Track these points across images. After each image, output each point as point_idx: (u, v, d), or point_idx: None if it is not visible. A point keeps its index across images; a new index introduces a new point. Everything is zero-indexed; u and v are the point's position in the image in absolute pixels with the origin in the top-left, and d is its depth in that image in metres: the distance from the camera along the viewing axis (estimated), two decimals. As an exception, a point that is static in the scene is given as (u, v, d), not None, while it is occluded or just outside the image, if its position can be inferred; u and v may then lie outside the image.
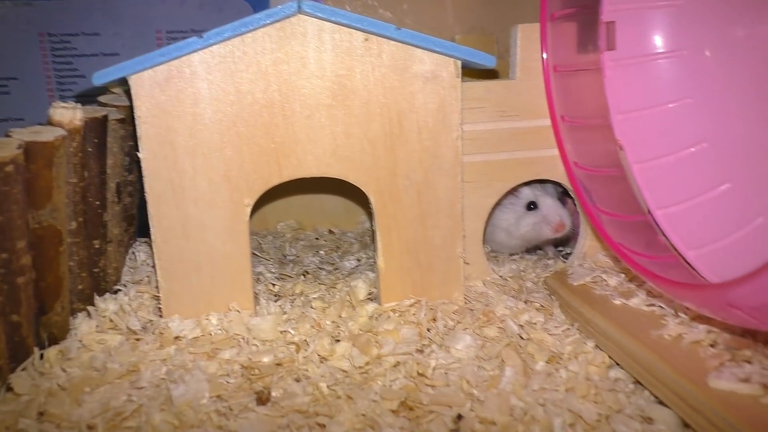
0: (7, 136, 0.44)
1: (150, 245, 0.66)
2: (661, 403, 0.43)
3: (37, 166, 0.44)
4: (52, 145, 0.44)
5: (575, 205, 0.65)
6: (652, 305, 0.51)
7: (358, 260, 0.69)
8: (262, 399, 0.44)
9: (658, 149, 0.56)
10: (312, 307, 0.57)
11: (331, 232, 0.80)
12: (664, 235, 0.52)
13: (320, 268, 0.67)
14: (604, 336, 0.49)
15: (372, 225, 0.57)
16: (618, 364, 0.48)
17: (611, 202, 0.54)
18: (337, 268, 0.67)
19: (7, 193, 0.42)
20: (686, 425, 0.41)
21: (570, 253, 0.69)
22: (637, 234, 0.52)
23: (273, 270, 0.66)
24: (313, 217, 0.82)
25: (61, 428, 0.42)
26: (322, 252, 0.73)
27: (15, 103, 0.84)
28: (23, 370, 0.47)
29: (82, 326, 0.52)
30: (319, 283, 0.62)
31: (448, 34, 0.86)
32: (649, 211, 0.54)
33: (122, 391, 0.45)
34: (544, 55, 0.58)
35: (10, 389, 0.45)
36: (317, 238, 0.78)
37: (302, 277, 0.64)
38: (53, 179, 0.45)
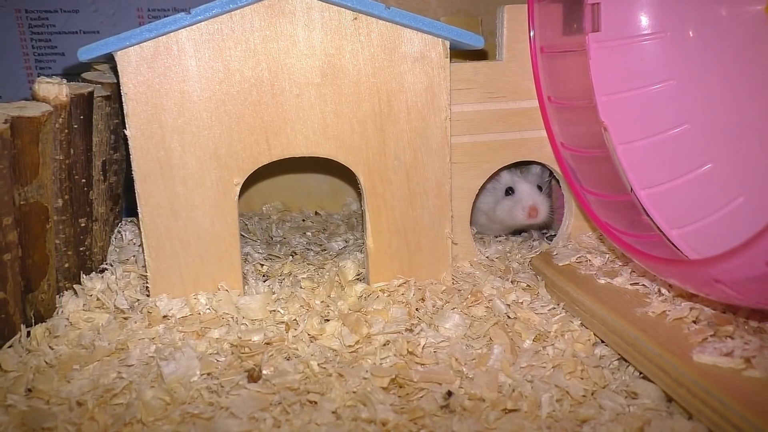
0: (-8, 111, 0.43)
1: (136, 225, 0.65)
2: (645, 378, 0.44)
3: (23, 142, 0.43)
4: (38, 120, 0.44)
5: (560, 186, 0.66)
6: (636, 284, 0.52)
7: (346, 241, 0.70)
8: (253, 376, 0.45)
9: (641, 130, 0.57)
10: (301, 287, 0.57)
11: (317, 213, 0.80)
12: (648, 215, 0.53)
13: (308, 249, 0.67)
14: (590, 314, 0.50)
15: (361, 205, 0.57)
16: (603, 342, 0.49)
17: (597, 182, 0.55)
18: (324, 249, 0.68)
19: (-7, 168, 0.41)
20: (670, 399, 0.42)
21: (554, 235, 0.70)
22: (621, 213, 0.53)
23: (260, 251, 0.66)
24: (299, 199, 0.81)
25: (49, 404, 0.42)
26: (309, 233, 0.73)
27: (-8, 81, 0.82)
28: (10, 347, 0.46)
29: (69, 304, 0.51)
30: (308, 264, 0.62)
31: (432, 15, 0.86)
32: (633, 191, 0.55)
33: (111, 369, 0.45)
34: (531, 36, 0.58)
35: (-3, 366, 0.45)
36: (303, 220, 0.77)
37: (290, 257, 0.64)
38: (39, 155, 0.45)
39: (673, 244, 0.51)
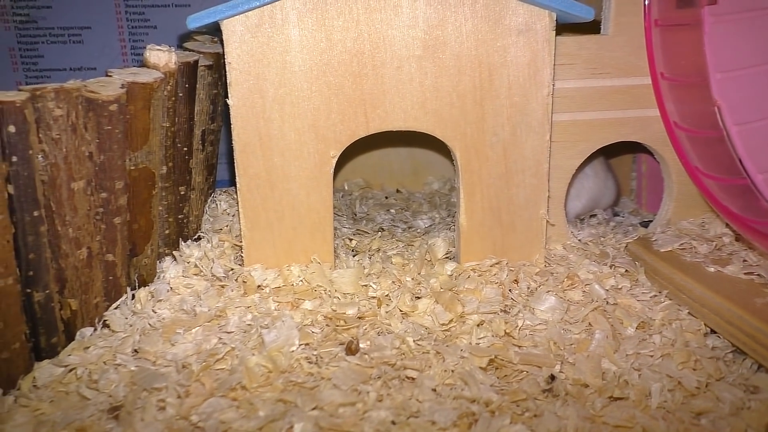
0: (107, 75, 0.44)
1: (230, 195, 0.66)
2: (766, 371, 0.41)
3: (136, 108, 0.44)
4: (151, 86, 0.44)
5: (641, 168, 0.63)
6: (751, 273, 0.49)
7: (432, 220, 0.69)
8: (352, 349, 0.44)
9: (760, 111, 0.53)
10: (392, 263, 0.56)
11: (398, 191, 0.80)
12: (766, 201, 0.50)
13: (394, 226, 0.67)
14: (701, 303, 0.47)
15: (455, 182, 0.56)
16: (715, 332, 0.46)
17: (713, 164, 0.52)
18: (411, 227, 0.67)
19: (110, 132, 0.42)
20: (795, 395, 0.39)
21: (647, 221, 0.67)
22: (738, 198, 0.50)
23: (348, 226, 0.66)
24: (380, 177, 0.81)
25: (156, 365, 0.43)
26: (392, 210, 0.72)
27: (88, 53, 0.85)
28: (117, 308, 0.48)
29: (170, 270, 0.52)
30: (397, 240, 0.62)
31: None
32: (749, 176, 0.51)
33: (213, 334, 0.46)
34: (646, 6, 0.55)
35: (106, 326, 0.46)
36: (386, 198, 0.77)
37: (378, 233, 0.64)
38: (150, 121, 0.46)
39: (794, 232, 0.47)
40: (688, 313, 0.48)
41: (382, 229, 0.65)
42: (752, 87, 0.54)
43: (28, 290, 0.42)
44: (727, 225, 0.57)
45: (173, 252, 0.54)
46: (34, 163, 0.39)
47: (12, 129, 0.37)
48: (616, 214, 0.72)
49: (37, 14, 0.83)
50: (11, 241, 0.39)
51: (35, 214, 0.40)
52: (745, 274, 0.49)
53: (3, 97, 0.37)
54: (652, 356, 0.44)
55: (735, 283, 0.48)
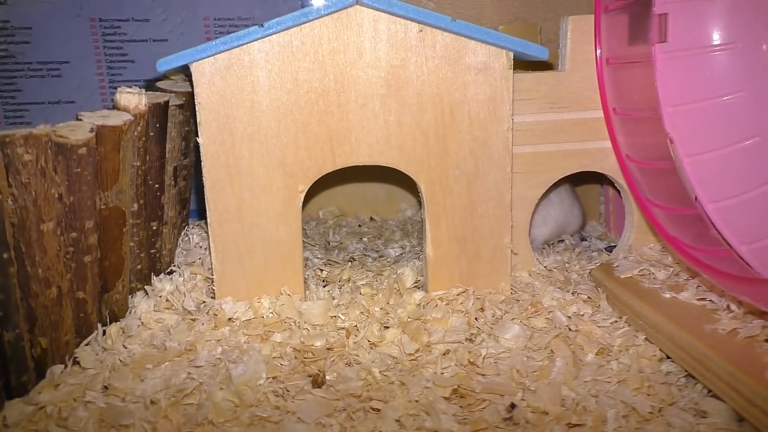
0: (78, 119, 0.45)
1: (203, 228, 0.68)
2: (714, 396, 0.43)
3: (106, 149, 0.46)
4: (120, 129, 0.46)
5: (620, 197, 0.65)
6: (704, 299, 0.51)
7: (402, 248, 0.70)
8: (318, 382, 0.46)
9: (709, 143, 0.56)
10: (360, 293, 0.58)
11: (372, 219, 0.81)
12: (716, 229, 0.52)
13: (365, 255, 0.68)
14: (655, 329, 0.49)
15: (421, 214, 0.58)
16: (669, 357, 0.48)
17: (663, 194, 0.54)
18: (382, 256, 0.68)
19: (79, 174, 0.43)
20: (741, 418, 0.41)
21: (612, 246, 0.69)
22: (688, 227, 0.52)
23: (319, 255, 0.67)
24: (354, 204, 0.83)
25: (125, 402, 0.44)
26: (365, 239, 0.74)
27: (66, 86, 0.86)
28: (87, 345, 0.49)
29: (141, 305, 0.53)
30: (366, 270, 0.63)
31: (489, 24, 0.86)
32: (700, 205, 0.53)
33: (182, 369, 0.47)
34: (598, 50, 0.58)
35: (76, 363, 0.47)
36: (360, 225, 0.78)
37: (349, 263, 0.65)
38: (120, 162, 0.47)
39: (742, 259, 0.49)
40: (645, 338, 0.50)
41: (353, 258, 0.67)
42: (701, 120, 0.56)
43: (-1, 330, 0.43)
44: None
45: (145, 287, 0.55)
46: (3, 206, 0.41)
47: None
48: (583, 239, 0.74)
49: (15, 49, 0.85)
50: (-19, 283, 0.40)
51: (5, 256, 0.41)
52: (698, 300, 0.51)
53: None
54: (609, 382, 0.46)
55: (688, 309, 0.50)
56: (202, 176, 0.53)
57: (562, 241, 0.73)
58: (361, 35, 0.52)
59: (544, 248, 0.70)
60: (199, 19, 0.84)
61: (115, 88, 0.86)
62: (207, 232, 0.54)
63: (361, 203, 0.83)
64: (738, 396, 0.40)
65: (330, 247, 0.72)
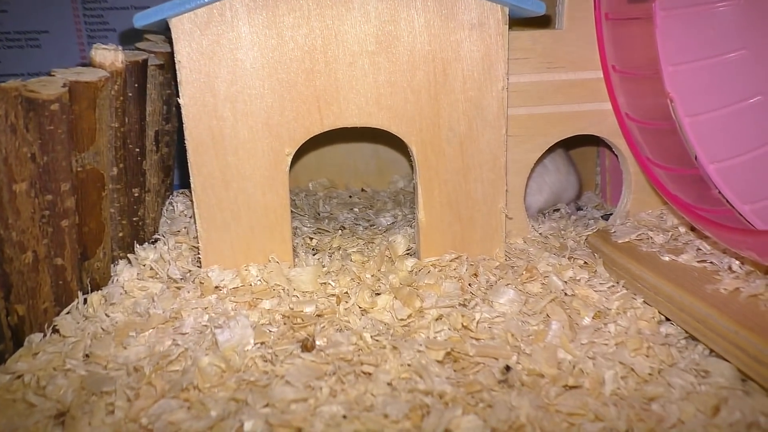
0: (50, 75, 0.43)
1: (187, 197, 0.66)
2: (717, 356, 0.42)
3: (81, 107, 0.43)
4: (95, 85, 0.43)
5: (605, 162, 0.64)
6: (704, 261, 0.49)
7: (394, 217, 0.68)
8: (307, 346, 0.44)
9: (710, 102, 0.54)
10: (351, 261, 0.56)
11: (363, 190, 0.79)
12: (717, 189, 0.50)
13: (356, 224, 0.67)
14: (654, 291, 0.48)
15: (413, 178, 0.56)
16: (669, 320, 0.47)
17: (664, 155, 0.52)
18: (373, 225, 0.67)
19: (52, 132, 0.41)
20: (745, 378, 0.40)
21: (608, 214, 0.67)
22: (690, 187, 0.50)
23: (309, 225, 0.65)
24: (345, 176, 0.81)
25: (107, 369, 0.42)
26: (356, 209, 0.72)
27: (46, 57, 0.83)
28: (68, 313, 0.47)
29: (124, 273, 0.52)
30: (357, 238, 0.61)
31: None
32: (701, 165, 0.52)
33: (167, 336, 0.45)
34: (596, 2, 0.56)
35: (56, 331, 0.45)
36: (350, 197, 0.77)
37: (339, 232, 0.64)
38: (96, 121, 0.45)
39: (745, 219, 0.48)
40: (644, 301, 0.49)
41: (344, 227, 0.65)
42: (702, 79, 0.54)
43: (-28, 296, 0.41)
44: (682, 215, 0.58)
45: (128, 255, 0.53)
46: (-28, 164, 0.39)
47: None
48: (579, 209, 0.73)
49: (-7, 19, 0.82)
50: (-49, 246, 0.38)
51: (-24, 217, 0.39)
52: (698, 262, 0.49)
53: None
54: (606, 344, 0.44)
55: (688, 271, 0.48)
56: (183, 141, 0.51)
57: (558, 209, 0.71)
58: (349, -11, 0.50)
59: (539, 216, 0.68)
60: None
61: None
62: (191, 200, 0.52)
63: (352, 175, 0.81)
64: (743, 354, 0.38)
65: (320, 217, 0.70)
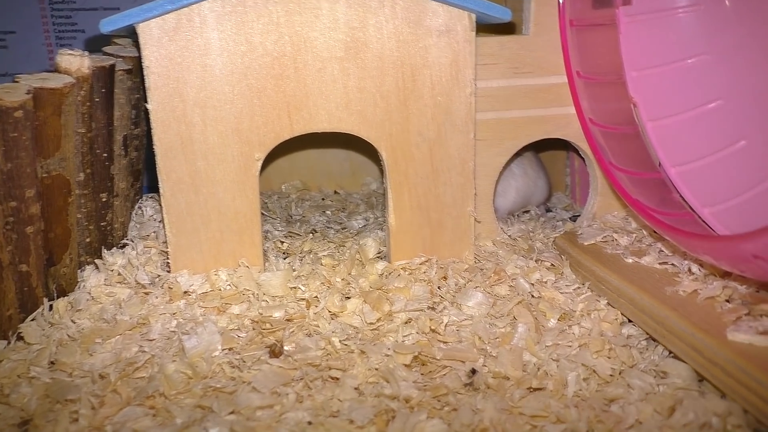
0: (14, 81, 0.43)
1: (157, 201, 0.65)
2: (675, 357, 0.43)
3: (46, 114, 0.43)
4: (60, 92, 0.43)
5: (585, 164, 0.65)
6: (665, 263, 0.50)
7: (366, 220, 0.69)
8: (275, 352, 0.44)
9: (672, 107, 0.55)
10: (322, 264, 0.56)
11: (336, 192, 0.80)
12: (679, 193, 0.52)
13: (328, 227, 0.67)
14: (617, 293, 0.49)
15: (383, 183, 0.56)
16: (631, 321, 0.48)
17: (626, 159, 0.53)
18: (345, 228, 0.67)
19: (16, 139, 0.41)
20: (701, 378, 0.41)
21: (578, 216, 0.69)
22: (651, 191, 0.51)
23: (280, 228, 0.65)
24: (318, 178, 0.81)
25: (72, 377, 0.42)
26: (328, 212, 0.72)
27: (13, 58, 0.82)
28: (33, 320, 0.46)
29: (91, 279, 0.51)
30: (328, 242, 0.62)
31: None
32: (663, 169, 0.53)
33: (133, 342, 0.45)
34: (560, 8, 0.57)
35: (20, 338, 0.45)
36: (323, 199, 0.77)
37: (310, 235, 0.64)
38: (62, 127, 0.44)
39: (704, 222, 0.49)
40: (607, 303, 0.50)
41: (315, 230, 0.65)
42: (664, 84, 0.56)
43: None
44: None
45: (95, 260, 0.53)
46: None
47: None
48: (548, 210, 0.74)
49: (-42, 18, 0.80)
50: None
51: (-64, 225, 0.39)
52: (659, 264, 0.51)
53: None
54: (570, 346, 0.45)
55: (650, 273, 0.49)
56: (152, 146, 0.50)
57: (528, 211, 0.72)
58: (317, -5, 0.50)
59: (509, 218, 0.69)
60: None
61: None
62: (161, 204, 0.52)
63: (325, 177, 0.81)
64: (699, 356, 0.40)
65: (292, 220, 0.70)
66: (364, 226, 0.67)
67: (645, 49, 0.56)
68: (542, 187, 0.72)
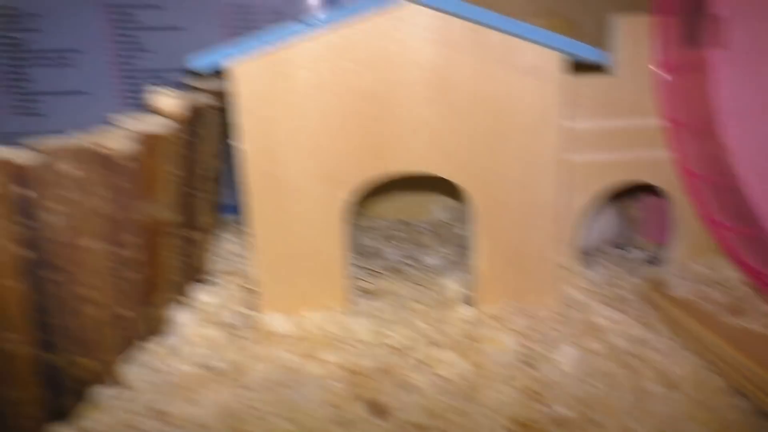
0: (112, 123, 0.42)
1: (233, 232, 0.65)
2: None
3: (147, 158, 0.42)
4: (161, 137, 0.42)
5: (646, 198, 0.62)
6: (771, 325, 0.48)
7: (442, 256, 0.67)
8: (378, 410, 0.43)
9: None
10: (407, 308, 0.55)
11: (401, 221, 0.78)
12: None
13: (403, 263, 0.65)
14: (721, 359, 0.47)
15: (469, 225, 0.55)
16: (740, 392, 0.46)
17: (728, 212, 0.51)
18: (420, 262, 0.66)
19: (121, 186, 0.40)
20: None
21: (653, 256, 0.67)
22: (754, 248, 0.49)
23: (355, 262, 0.64)
24: (380, 204, 0.79)
25: (176, 426, 0.41)
26: (399, 244, 0.71)
27: (78, 76, 0.82)
28: (132, 364, 0.46)
29: (182, 319, 0.50)
30: (408, 281, 0.60)
31: (519, 15, 0.82)
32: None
33: (234, 392, 0.44)
34: (655, 51, 0.55)
35: (120, 383, 0.45)
36: (391, 229, 0.75)
37: (389, 273, 0.63)
38: (161, 171, 0.44)
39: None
40: (710, 368, 0.48)
41: (394, 268, 0.64)
42: (764, 133, 0.54)
43: (39, 352, 0.40)
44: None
45: (185, 299, 0.52)
46: (48, 223, 0.37)
47: (25, 191, 0.35)
48: (621, 248, 0.72)
49: (24, 37, 0.80)
50: (22, 304, 0.37)
51: (47, 274, 0.38)
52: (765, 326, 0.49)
53: (19, 159, 0.35)
54: (673, 415, 0.44)
55: (756, 337, 0.47)
56: (233, 178, 0.49)
57: (602, 251, 0.70)
58: (409, 34, 0.49)
59: (586, 258, 0.67)
60: (216, 7, 0.80)
61: (129, 77, 0.82)
62: (239, 237, 0.51)
63: (388, 203, 0.79)
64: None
65: (365, 252, 0.69)
66: (441, 264, 0.66)
67: (745, 96, 0.54)
68: (617, 226, 0.70)
